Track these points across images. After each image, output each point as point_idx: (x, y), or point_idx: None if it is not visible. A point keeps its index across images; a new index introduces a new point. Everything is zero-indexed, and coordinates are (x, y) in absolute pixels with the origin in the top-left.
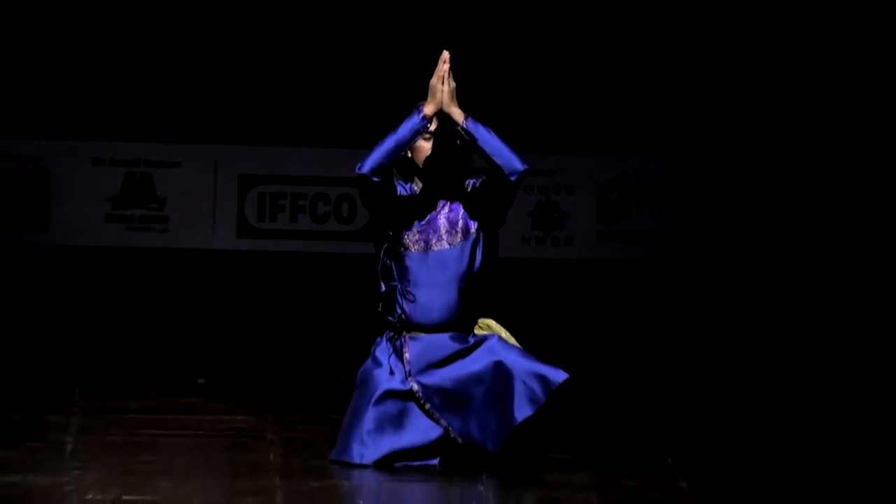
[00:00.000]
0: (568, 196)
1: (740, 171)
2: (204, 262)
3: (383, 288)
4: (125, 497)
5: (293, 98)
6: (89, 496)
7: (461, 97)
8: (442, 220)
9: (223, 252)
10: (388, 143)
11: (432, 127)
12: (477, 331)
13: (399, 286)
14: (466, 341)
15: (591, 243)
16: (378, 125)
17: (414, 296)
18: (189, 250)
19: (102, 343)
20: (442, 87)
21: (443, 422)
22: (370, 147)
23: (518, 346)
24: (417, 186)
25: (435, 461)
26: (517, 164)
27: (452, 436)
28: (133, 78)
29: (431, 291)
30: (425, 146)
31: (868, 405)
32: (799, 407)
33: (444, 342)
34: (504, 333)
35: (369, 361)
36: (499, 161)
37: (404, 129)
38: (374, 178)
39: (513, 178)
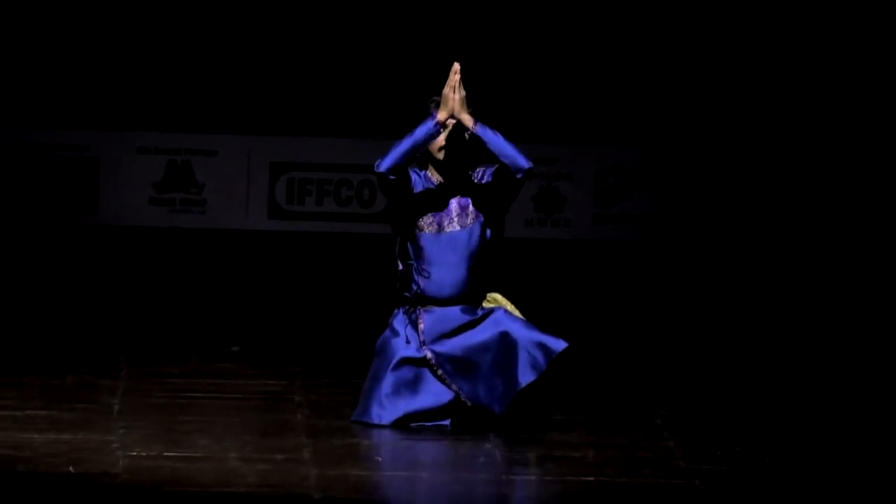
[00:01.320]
0: (567, 182)
1: (723, 159)
2: (238, 241)
3: (400, 266)
4: (167, 453)
5: (320, 93)
6: (134, 452)
7: (477, 97)
8: (454, 205)
9: (256, 232)
10: (404, 145)
11: (445, 132)
12: (485, 304)
13: (414, 264)
14: (475, 313)
15: (587, 225)
16: (396, 118)
17: (428, 273)
18: (225, 230)
19: (146, 314)
20: (453, 95)
21: (454, 386)
22: (388, 137)
23: (522, 317)
24: (431, 174)
25: (447, 422)
26: (522, 163)
27: (462, 399)
28: (176, 75)
29: (443, 269)
30: (439, 137)
31: (839, 369)
32: (777, 373)
33: (455, 314)
34: (510, 306)
35: (387, 331)
36: (506, 161)
37: (419, 134)
38: (391, 177)
39: (519, 176)
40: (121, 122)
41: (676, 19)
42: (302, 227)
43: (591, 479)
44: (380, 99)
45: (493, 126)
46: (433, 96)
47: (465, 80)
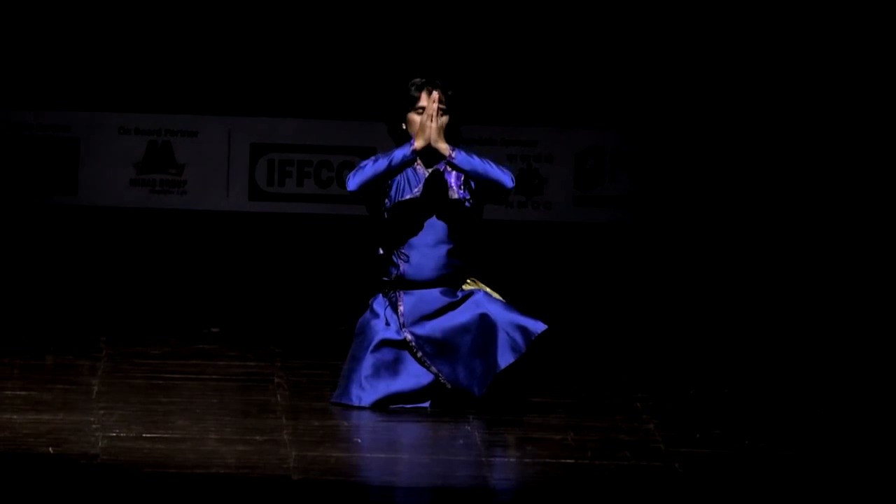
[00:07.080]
0: (547, 164)
1: (703, 141)
2: (218, 222)
3: (380, 250)
4: (146, 434)
5: (301, 74)
6: (113, 433)
7: (460, 82)
8: (434, 189)
9: (236, 213)
10: (378, 168)
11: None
12: (464, 287)
13: (394, 248)
14: (455, 295)
15: (568, 207)
16: (377, 100)
17: (407, 256)
18: (205, 212)
19: (126, 295)
20: (430, 124)
21: (433, 368)
22: (369, 119)
23: (501, 299)
24: None
25: (426, 404)
26: (506, 183)
27: (442, 381)
28: (156, 56)
29: (423, 252)
30: (418, 120)
31: (820, 351)
32: (757, 356)
33: (434, 296)
34: (489, 290)
35: (367, 313)
36: (487, 183)
37: (395, 160)
38: (361, 196)
39: (502, 196)
40: (101, 103)
41: (657, 2)
42: (282, 208)
43: (571, 461)
44: (361, 81)
45: (473, 114)
46: (414, 79)
47: (447, 63)
